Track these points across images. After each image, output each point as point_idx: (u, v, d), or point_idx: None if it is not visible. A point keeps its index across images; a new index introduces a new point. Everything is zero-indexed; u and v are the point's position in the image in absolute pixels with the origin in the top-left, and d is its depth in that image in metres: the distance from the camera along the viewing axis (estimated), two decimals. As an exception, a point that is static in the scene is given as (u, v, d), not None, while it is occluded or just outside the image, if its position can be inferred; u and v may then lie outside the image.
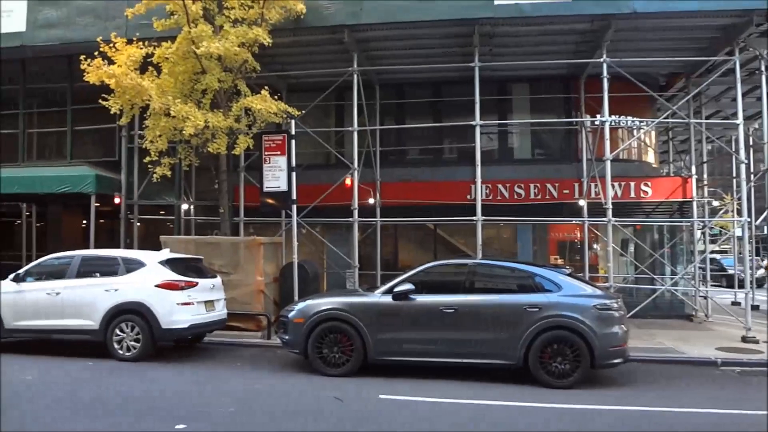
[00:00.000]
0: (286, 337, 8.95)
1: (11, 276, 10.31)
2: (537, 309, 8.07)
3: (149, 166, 12.13)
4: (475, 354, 8.24)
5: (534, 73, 15.05)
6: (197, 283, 9.79)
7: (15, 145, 15.93)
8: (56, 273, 10.11)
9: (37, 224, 17.07)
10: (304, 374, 8.63)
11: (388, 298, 8.53)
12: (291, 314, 8.90)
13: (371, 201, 14.47)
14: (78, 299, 9.65)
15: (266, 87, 11.99)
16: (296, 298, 11.20)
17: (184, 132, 11.13)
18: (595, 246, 15.36)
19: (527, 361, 8.01)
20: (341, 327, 8.48)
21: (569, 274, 8.83)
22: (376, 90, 15.26)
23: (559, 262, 15.60)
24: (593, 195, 14.23)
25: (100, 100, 11.65)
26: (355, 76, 13.09)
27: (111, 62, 11.35)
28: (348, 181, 13.21)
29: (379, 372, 8.51)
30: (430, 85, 15.92)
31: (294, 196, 11.68)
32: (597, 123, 13.36)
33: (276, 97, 12.03)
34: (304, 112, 12.72)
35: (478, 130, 12.56)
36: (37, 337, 10.13)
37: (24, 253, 16.23)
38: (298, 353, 8.93)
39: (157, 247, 11.54)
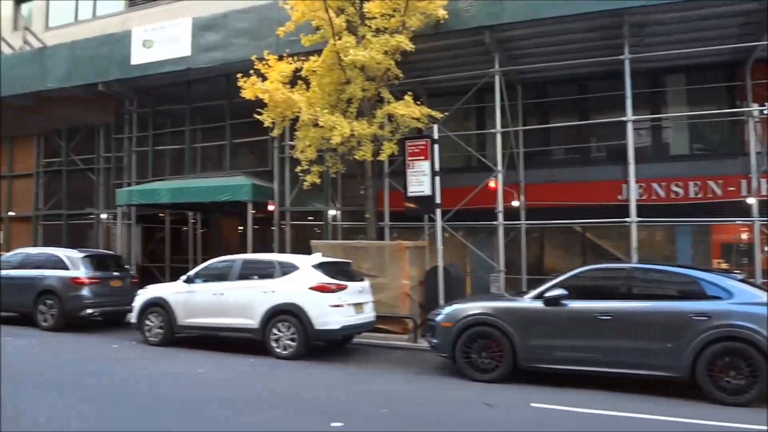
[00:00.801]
0: (434, 341, 8.98)
1: (183, 277, 11.30)
2: (705, 318, 7.40)
3: (300, 174, 12.75)
4: (633, 365, 7.72)
5: (690, 62, 13.88)
6: (347, 286, 10.14)
7: (182, 159, 17.55)
8: (220, 275, 10.95)
9: (201, 230, 18.59)
10: (451, 378, 8.61)
11: (539, 304, 8.27)
12: (439, 318, 8.92)
13: (515, 203, 14.16)
14: (239, 300, 10.38)
15: (408, 93, 12.18)
16: (442, 301, 11.22)
17: (331, 141, 11.59)
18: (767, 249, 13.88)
19: (694, 374, 7.38)
20: (490, 332, 8.35)
21: (741, 280, 8.05)
22: (517, 90, 14.91)
23: (724, 266, 14.27)
24: (764, 192, 12.86)
25: (255, 115, 12.46)
26: (497, 77, 12.90)
27: (264, 78, 12.10)
28: (492, 184, 13.03)
29: (527, 379, 8.27)
30: (575, 82, 15.28)
31: (438, 200, 11.73)
32: (767, 112, 12.07)
33: (418, 102, 12.16)
34: (446, 114, 12.75)
35: (630, 126, 11.83)
36: (205, 334, 10.98)
37: (190, 256, 17.75)
38: (445, 357, 8.92)
39: (307, 251, 12.10)
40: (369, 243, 12.63)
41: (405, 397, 7.72)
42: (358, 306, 10.37)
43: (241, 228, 17.71)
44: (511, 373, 8.29)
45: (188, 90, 17.15)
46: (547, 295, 8.23)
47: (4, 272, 13.74)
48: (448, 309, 9.07)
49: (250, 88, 12.04)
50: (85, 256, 13.46)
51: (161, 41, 15.75)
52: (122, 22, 19.46)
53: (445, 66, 14.22)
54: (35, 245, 18.49)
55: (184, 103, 17.42)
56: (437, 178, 11.83)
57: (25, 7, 24.28)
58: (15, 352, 10.52)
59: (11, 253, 15.08)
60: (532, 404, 7.21)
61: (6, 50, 21.79)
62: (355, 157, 12.01)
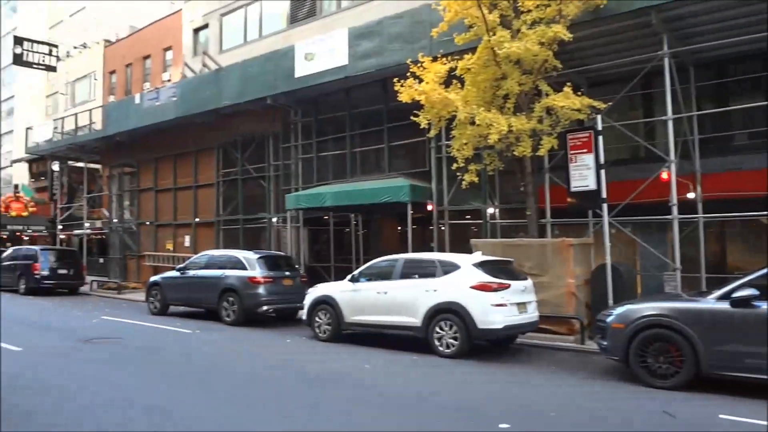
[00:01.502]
0: (604, 343, 8.51)
1: (348, 277, 11.80)
2: None
3: (457, 173, 12.77)
4: None
5: None
6: (509, 285, 9.95)
7: (343, 164, 18.35)
8: (383, 274, 11.27)
9: (363, 231, 19.29)
10: (624, 383, 8.10)
11: (725, 305, 7.50)
12: (609, 319, 8.44)
13: (691, 195, 13.00)
14: (402, 298, 10.60)
15: (567, 84, 11.69)
16: (610, 302, 10.63)
17: (489, 138, 11.45)
18: None
19: None
20: (668, 335, 7.73)
21: None
22: (689, 72, 13.68)
23: None
24: None
25: (411, 117, 12.67)
26: (666, 60, 11.94)
27: (420, 80, 12.27)
28: (664, 175, 12.07)
29: (712, 388, 7.54)
30: (759, 58, 13.69)
31: (604, 195, 11.14)
32: None
33: (578, 93, 11.63)
34: (610, 103, 12.07)
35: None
36: (370, 331, 11.36)
37: (353, 256, 18.48)
38: (617, 360, 8.42)
39: (465, 250, 12.06)
40: (530, 241, 12.30)
41: (574, 400, 7.40)
42: (521, 305, 10.13)
43: (401, 228, 18.13)
44: (693, 380, 7.62)
45: (347, 97, 17.92)
46: (735, 295, 7.44)
47: (193, 272, 15.34)
48: (619, 309, 8.56)
49: (406, 91, 12.27)
50: (260, 257, 14.57)
51: (321, 53, 16.61)
52: (285, 38, 20.84)
53: (607, 53, 13.45)
54: (217, 248, 20.36)
55: (343, 110, 18.23)
56: (602, 172, 11.23)
57: (202, 35, 26.88)
58: (206, 344, 11.67)
59: (198, 255, 16.76)
60: (721, 416, 6.57)
61: (188, 74, 24.29)
62: (514, 153, 11.76)
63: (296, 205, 17.25)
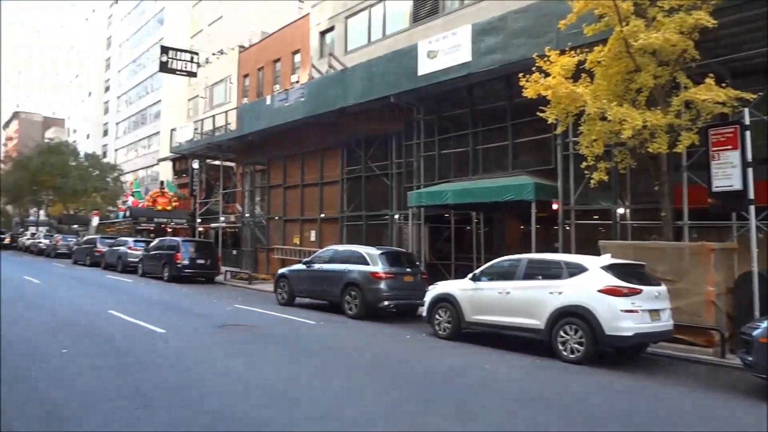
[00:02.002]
0: (749, 359, 7.80)
1: (470, 275, 11.70)
2: None
3: (585, 171, 12.23)
4: None
5: None
6: (641, 291, 9.40)
7: (465, 162, 18.21)
8: (505, 274, 11.06)
9: (484, 230, 19.04)
10: (772, 403, 7.39)
11: None
12: (756, 332, 7.72)
13: None
14: (525, 299, 10.35)
15: (710, 75, 10.80)
16: (757, 313, 9.73)
17: (621, 134, 10.84)
18: None
19: None
20: (828, 352, 6.96)
21: None
22: None
23: None
24: None
25: (537, 113, 12.31)
26: (827, 45, 10.71)
27: (546, 75, 11.89)
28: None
29: None
30: None
31: (751, 196, 10.20)
32: None
33: (722, 85, 10.71)
34: (760, 95, 11.02)
35: None
36: (490, 331, 11.19)
37: (474, 255, 18.31)
38: (764, 379, 7.70)
39: (592, 251, 11.55)
40: (665, 244, 11.52)
41: (715, 422, 6.84)
42: (654, 313, 9.53)
43: (524, 227, 17.70)
44: None
45: (470, 94, 17.76)
46: None
47: (318, 266, 15.92)
48: (766, 323, 7.81)
49: (532, 87, 11.93)
50: (382, 253, 14.83)
51: (444, 50, 16.57)
52: (408, 37, 21.02)
53: (756, 39, 12.27)
54: (341, 243, 20.98)
55: (466, 107, 18.09)
56: (749, 170, 10.29)
57: (328, 37, 27.78)
58: (330, 335, 12.08)
59: (323, 249, 17.37)
60: None
61: (315, 75, 25.20)
62: (649, 150, 11.05)
63: (418, 202, 17.37)
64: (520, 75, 12.29)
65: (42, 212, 62.23)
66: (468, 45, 15.91)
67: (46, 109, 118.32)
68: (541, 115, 12.23)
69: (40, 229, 60.01)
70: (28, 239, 51.69)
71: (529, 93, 12.05)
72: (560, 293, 9.81)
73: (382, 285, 14.15)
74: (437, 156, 19.05)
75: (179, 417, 6.01)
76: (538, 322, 10.04)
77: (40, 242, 46.75)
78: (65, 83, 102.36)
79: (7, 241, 55.14)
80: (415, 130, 19.45)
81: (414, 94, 18.05)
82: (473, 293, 11.32)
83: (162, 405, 6.37)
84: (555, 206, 14.66)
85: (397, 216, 20.79)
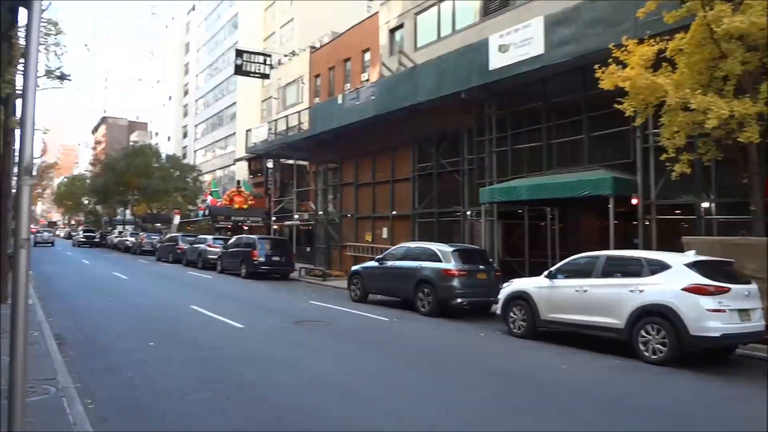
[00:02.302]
0: None
1: (545, 273, 11.48)
2: None
3: (666, 164, 11.75)
4: None
5: None
6: (729, 289, 8.94)
7: (538, 157, 17.88)
8: (582, 271, 10.77)
9: (559, 225, 18.64)
10: None
11: None
12: None
13: None
14: (603, 298, 10.05)
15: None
16: None
17: (705, 125, 10.35)
18: None
19: None
20: None
21: None
22: None
23: None
24: None
25: (615, 105, 11.92)
26: None
27: (623, 66, 11.49)
28: None
29: None
30: None
31: None
32: None
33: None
34: None
35: None
36: (566, 330, 10.94)
37: (549, 252, 17.93)
38: None
39: (674, 247, 11.08)
40: (756, 240, 10.88)
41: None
42: (744, 312, 9.05)
43: (601, 223, 17.19)
44: None
45: (543, 87, 17.41)
46: None
47: (390, 263, 16.02)
48: None
49: (608, 78, 11.58)
50: (455, 250, 14.76)
51: (515, 44, 16.31)
52: (478, 32, 20.80)
53: None
54: (413, 240, 21.04)
55: (539, 101, 17.74)
56: None
57: (398, 34, 27.84)
58: (405, 332, 12.14)
59: (395, 246, 17.47)
60: None
61: (386, 73, 25.34)
62: (738, 140, 10.48)
63: (491, 198, 17.19)
64: (596, 66, 11.95)
65: (128, 211, 65.52)
66: (540, 37, 15.60)
67: (131, 113, 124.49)
68: (618, 107, 11.85)
69: (126, 227, 63.24)
70: (116, 237, 54.58)
71: (605, 84, 11.70)
72: (641, 291, 9.47)
73: (455, 282, 14.09)
74: (510, 151, 18.78)
75: (259, 410, 6.22)
76: (617, 321, 9.73)
77: (126, 240, 49.28)
78: (147, 88, 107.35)
79: (97, 239, 58.52)
80: (487, 125, 19.24)
81: (485, 89, 17.86)
82: (549, 291, 11.09)
83: (242, 398, 6.60)
84: (634, 201, 14.16)
85: (469, 212, 20.64)
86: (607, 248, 12.82)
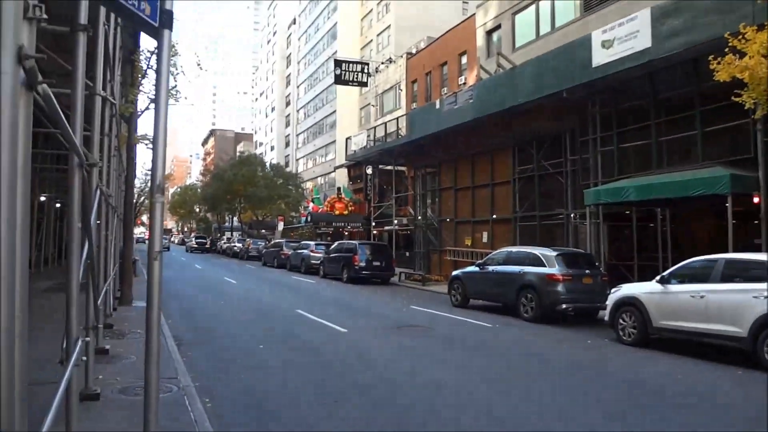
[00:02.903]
0: None
1: (657, 277, 10.90)
2: None
3: (792, 159, 10.85)
4: None
5: None
6: None
7: (647, 155, 17.02)
8: (698, 276, 10.15)
9: (670, 227, 17.64)
10: None
11: None
12: None
13: None
14: (722, 304, 9.41)
15: None
16: None
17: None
18: None
19: None
20: None
21: None
22: None
23: None
24: None
25: (732, 97, 11.16)
26: None
27: (741, 55, 10.74)
28: None
29: None
30: None
31: None
32: None
33: None
34: None
35: None
36: (681, 338, 10.32)
37: (659, 255, 17.01)
38: None
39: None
40: None
41: None
42: None
43: (717, 224, 16.10)
44: None
45: (650, 82, 16.55)
46: None
47: (492, 267, 15.81)
48: None
49: (724, 69, 10.86)
50: (559, 255, 14.35)
51: (620, 38, 15.63)
52: (579, 28, 20.15)
53: None
54: (513, 244, 20.65)
55: (646, 97, 16.89)
56: None
57: (494, 35, 27.53)
58: (508, 339, 11.93)
59: (497, 251, 17.22)
60: None
61: (483, 75, 25.10)
62: None
63: (596, 200, 16.55)
64: (710, 57, 11.24)
65: (235, 219, 68.78)
66: (647, 30, 14.85)
67: (237, 125, 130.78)
68: (736, 99, 11.06)
69: (234, 234, 66.41)
70: (225, 243, 57.49)
71: (721, 76, 10.99)
72: (766, 297, 8.78)
73: (560, 287, 13.68)
74: (615, 150, 18.01)
75: (367, 413, 6.33)
76: (738, 330, 9.07)
77: (234, 246, 51.77)
78: (252, 101, 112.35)
79: (207, 245, 61.94)
80: (591, 124, 18.55)
81: (588, 87, 17.23)
82: (662, 297, 10.53)
83: (350, 401, 6.75)
84: (756, 200, 13.13)
85: (572, 215, 19.99)
86: (725, 251, 11.96)
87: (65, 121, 2.43)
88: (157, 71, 3.08)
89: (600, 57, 16.14)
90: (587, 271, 14.25)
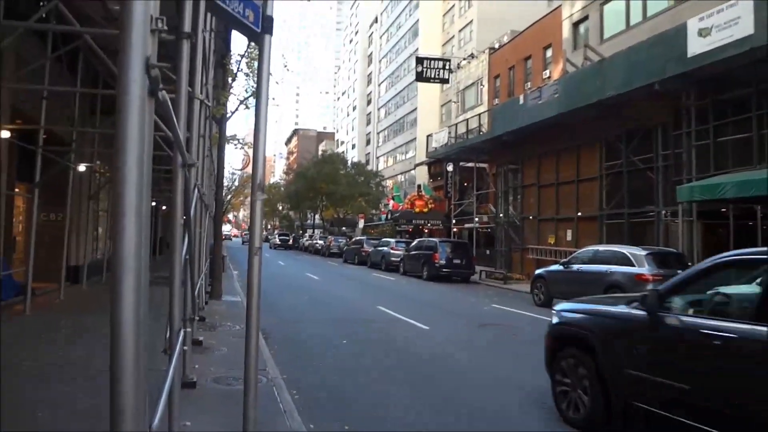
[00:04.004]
0: None
1: (758, 280, 10.24)
2: None
3: None
4: None
5: None
6: None
7: (747, 149, 16.02)
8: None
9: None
10: None
11: None
12: None
13: None
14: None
15: None
16: None
17: None
18: None
19: None
20: None
21: None
22: None
23: None
24: None
25: None
26: None
27: None
28: None
29: None
30: None
31: None
32: None
33: None
34: None
35: None
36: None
37: (761, 256, 15.97)
38: None
39: None
40: None
41: None
42: None
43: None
44: None
45: (753, 72, 15.53)
46: None
47: (577, 266, 15.38)
48: None
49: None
50: (649, 254, 13.78)
51: (718, 26, 14.82)
52: (673, 16, 19.24)
53: None
54: (600, 242, 19.98)
55: (748, 87, 15.88)
56: None
57: (581, 27, 26.72)
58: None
59: (582, 249, 16.73)
60: None
61: (570, 69, 24.42)
62: None
63: (690, 197, 15.74)
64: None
65: (317, 216, 70.36)
66: (749, 16, 14.00)
67: (319, 124, 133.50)
68: None
69: (316, 231, 67.94)
70: (307, 240, 58.91)
71: (834, 64, 10.18)
72: None
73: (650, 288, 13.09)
74: (712, 144, 17.05)
75: (456, 414, 6.34)
76: None
77: (316, 243, 52.96)
78: (334, 100, 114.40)
79: (290, 242, 63.68)
80: (685, 117, 17.65)
81: (682, 79, 16.41)
82: (764, 299, 9.78)
83: (434, 398, 6.77)
84: None
85: (664, 212, 19.12)
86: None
87: (176, 124, 2.59)
88: (258, 75, 3.22)
89: (696, 46, 15.36)
90: (679, 272, 13.56)
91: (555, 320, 6.40)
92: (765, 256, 4.79)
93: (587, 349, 5.65)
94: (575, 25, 27.19)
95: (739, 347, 4.34)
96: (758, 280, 4.70)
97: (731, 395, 4.36)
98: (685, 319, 4.84)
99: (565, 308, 6.48)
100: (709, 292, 4.96)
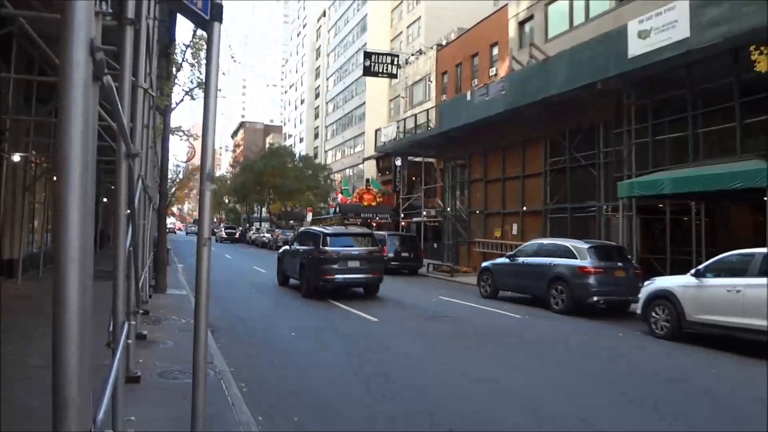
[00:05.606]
0: None
1: (692, 271, 10.76)
2: None
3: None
4: None
5: None
6: None
7: (683, 148, 16.70)
8: (735, 270, 9.98)
9: (705, 221, 17.30)
10: None
11: None
12: None
13: None
14: (760, 299, 9.22)
15: None
16: None
17: None
18: None
19: None
20: None
21: None
22: None
23: None
24: None
25: (773, 88, 10.91)
26: None
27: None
28: None
29: None
30: None
31: None
32: None
33: None
34: None
35: None
36: (715, 332, 10.14)
37: (693, 249, 16.70)
38: None
39: None
40: None
41: None
42: None
43: (755, 218, 15.78)
44: None
45: (688, 73, 16.20)
46: None
47: (522, 259, 15.73)
48: None
49: (766, 59, 10.62)
50: (590, 247, 14.21)
51: (657, 28, 15.39)
52: (614, 18, 19.83)
53: None
54: (544, 236, 20.48)
55: (683, 88, 16.53)
56: None
57: (527, 26, 27.24)
58: (538, 330, 11.86)
59: (527, 243, 17.12)
60: None
61: (516, 67, 24.87)
62: None
63: (629, 193, 16.33)
64: (752, 47, 10.99)
65: (264, 209, 69.42)
66: (686, 20, 14.59)
67: (266, 117, 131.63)
68: (778, 90, 10.81)
69: (263, 225, 67.08)
70: (254, 234, 58.14)
71: (762, 67, 10.78)
72: (807, 293, 8.31)
73: (591, 280, 13.57)
74: (650, 143, 17.69)
75: (417, 405, 6.40)
76: (778, 325, 8.46)
77: (263, 236, 52.31)
78: (281, 93, 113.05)
79: (237, 235, 62.72)
80: (625, 116, 18.27)
81: (623, 79, 16.98)
82: (696, 291, 10.37)
83: (394, 389, 6.82)
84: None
85: (605, 208, 19.75)
86: (764, 245, 11.71)
87: (120, 112, 2.51)
88: (207, 63, 3.16)
89: (636, 47, 15.90)
90: (619, 264, 14.10)
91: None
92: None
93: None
94: (521, 24, 27.70)
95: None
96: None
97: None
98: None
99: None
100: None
